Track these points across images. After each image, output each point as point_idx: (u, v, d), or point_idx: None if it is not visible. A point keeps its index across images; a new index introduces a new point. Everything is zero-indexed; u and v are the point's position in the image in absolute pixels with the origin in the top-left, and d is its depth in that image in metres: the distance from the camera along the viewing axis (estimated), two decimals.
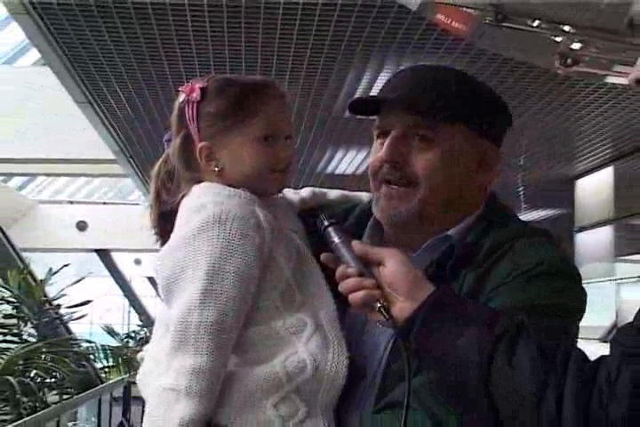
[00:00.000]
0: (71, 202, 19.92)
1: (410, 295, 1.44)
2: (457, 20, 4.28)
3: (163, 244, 1.70)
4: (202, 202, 1.61)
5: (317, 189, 1.88)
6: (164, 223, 1.71)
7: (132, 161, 9.84)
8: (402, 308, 1.44)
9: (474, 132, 1.64)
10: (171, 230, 1.67)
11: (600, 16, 3.93)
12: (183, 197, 1.67)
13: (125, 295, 20.81)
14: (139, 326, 18.40)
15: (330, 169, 10.20)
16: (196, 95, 1.65)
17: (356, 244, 1.52)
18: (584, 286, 1.59)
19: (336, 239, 1.54)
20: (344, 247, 1.52)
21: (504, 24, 4.00)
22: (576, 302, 1.57)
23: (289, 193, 1.82)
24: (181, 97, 1.67)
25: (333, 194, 1.89)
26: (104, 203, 19.50)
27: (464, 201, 1.65)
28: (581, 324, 1.58)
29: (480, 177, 1.66)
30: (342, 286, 1.48)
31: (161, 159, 1.75)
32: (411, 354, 1.43)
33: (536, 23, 4.02)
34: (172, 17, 5.42)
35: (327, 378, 1.53)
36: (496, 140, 1.69)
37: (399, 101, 1.64)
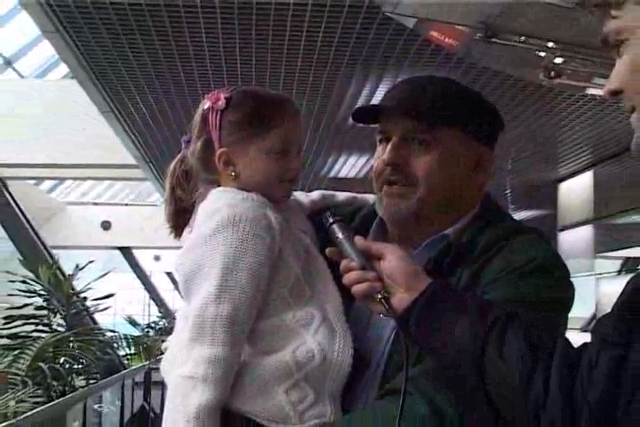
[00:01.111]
0: (96, 203, 19.94)
1: (408, 287, 1.43)
2: (449, 36, 4.28)
3: (176, 236, 1.71)
4: (217, 205, 1.60)
5: (327, 192, 1.88)
6: (178, 218, 1.71)
7: (151, 165, 9.84)
8: (401, 298, 1.43)
9: (469, 135, 1.63)
10: (184, 225, 1.69)
11: (580, 33, 3.92)
12: (199, 195, 1.67)
13: (146, 289, 20.87)
14: (158, 317, 18.44)
15: (334, 173, 10.19)
16: (221, 104, 1.65)
17: (358, 239, 1.51)
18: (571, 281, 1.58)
19: (340, 235, 1.53)
20: (347, 243, 1.51)
21: (493, 40, 4.00)
22: (565, 297, 1.56)
23: (300, 195, 1.82)
24: (206, 104, 1.66)
25: (342, 196, 1.88)
26: (126, 204, 19.51)
27: (461, 201, 1.64)
28: None
29: (476, 178, 1.65)
30: (346, 279, 1.47)
31: (177, 158, 1.74)
32: (409, 343, 1.42)
33: (522, 39, 4.02)
34: (189, 36, 5.45)
35: (333, 367, 1.52)
36: (490, 144, 1.68)
37: (397, 108, 1.64)
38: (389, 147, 1.63)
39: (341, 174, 10.26)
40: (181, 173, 1.72)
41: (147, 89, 6.78)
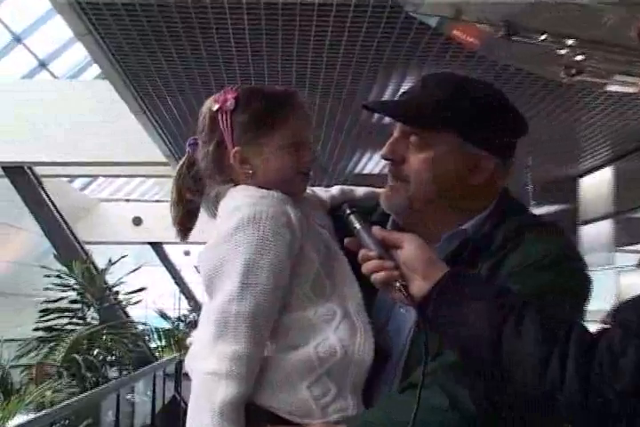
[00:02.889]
0: (128, 200, 20.04)
1: (426, 274, 1.42)
2: (471, 34, 4.25)
3: (183, 238, 1.71)
4: (237, 204, 1.58)
5: (346, 187, 1.86)
6: (187, 221, 1.71)
7: None
8: (419, 286, 1.41)
9: (466, 139, 1.58)
10: (192, 227, 1.70)
11: (601, 31, 3.88)
12: (217, 194, 1.66)
13: (176, 283, 20.96)
14: (188, 310, 18.51)
15: (357, 169, 10.18)
16: (229, 104, 1.63)
17: (375, 229, 1.50)
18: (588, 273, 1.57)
19: (357, 225, 1.52)
20: (365, 233, 1.50)
21: (514, 38, 3.96)
22: (582, 289, 1.54)
23: (320, 191, 1.80)
24: (215, 106, 1.65)
25: (361, 191, 1.86)
26: (156, 201, 19.58)
27: (469, 199, 1.61)
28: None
29: (473, 180, 1.60)
30: (364, 268, 1.46)
31: (182, 162, 1.73)
32: (429, 332, 1.40)
33: (543, 37, 3.98)
34: (216, 36, 5.46)
35: (355, 362, 1.51)
36: (492, 148, 1.61)
37: (392, 110, 1.66)
38: (388, 141, 1.64)
39: (366, 170, 10.25)
40: (190, 176, 1.71)
41: (176, 89, 6.81)
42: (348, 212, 1.55)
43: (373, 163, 9.77)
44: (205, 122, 1.67)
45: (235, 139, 1.63)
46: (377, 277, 1.44)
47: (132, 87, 6.81)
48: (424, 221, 1.62)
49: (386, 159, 1.63)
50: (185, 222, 1.72)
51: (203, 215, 1.74)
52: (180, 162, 1.74)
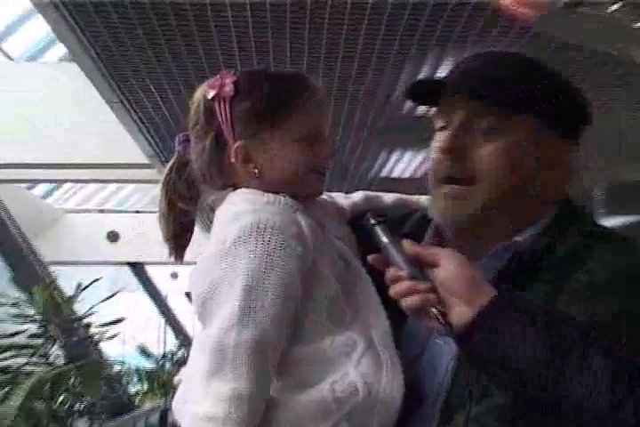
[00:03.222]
0: (101, 210, 20.03)
1: (469, 299, 1.43)
2: (525, 4, 4.25)
3: (177, 258, 1.73)
4: (237, 211, 1.61)
5: (371, 193, 1.88)
6: (180, 237, 1.74)
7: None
8: (460, 312, 1.42)
9: (543, 125, 1.62)
10: (187, 244, 1.71)
11: None
12: (215, 200, 1.68)
13: (161, 312, 20.92)
14: (176, 346, 18.47)
15: (384, 172, 10.17)
16: (228, 90, 1.66)
17: (407, 244, 1.51)
18: None
19: (385, 239, 1.53)
20: (394, 248, 1.51)
21: (579, 9, 3.97)
22: None
23: (339, 198, 1.83)
24: (210, 93, 1.67)
25: (389, 198, 1.88)
26: (137, 212, 19.55)
27: (534, 203, 1.64)
28: None
29: (550, 176, 1.64)
30: (393, 290, 1.47)
31: (171, 164, 1.76)
32: (473, 368, 1.42)
33: (615, 7, 3.98)
34: (212, 15, 5.45)
35: (381, 404, 1.52)
36: (569, 137, 1.66)
37: (462, 85, 1.64)
38: (448, 133, 1.63)
39: (395, 173, 10.24)
40: (182, 182, 1.74)
41: (162, 74, 6.78)
42: (374, 222, 1.56)
43: (403, 164, 9.77)
44: (199, 113, 1.69)
45: (236, 132, 1.66)
46: (409, 301, 1.45)
47: (106, 71, 6.80)
48: (479, 232, 1.64)
49: (448, 153, 1.63)
50: (178, 238, 1.75)
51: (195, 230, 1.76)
52: (169, 163, 1.76)
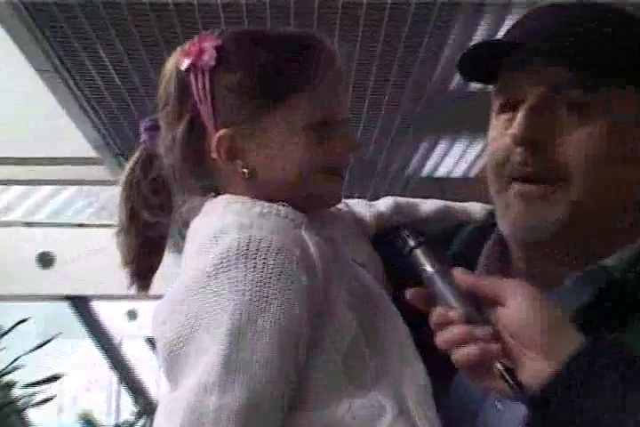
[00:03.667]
0: (29, 224, 20.02)
1: (547, 349, 1.43)
2: None
3: (141, 289, 1.73)
4: (220, 225, 1.60)
5: (403, 200, 1.88)
6: (145, 259, 1.73)
7: (122, 160, 9.80)
8: (535, 368, 1.42)
9: None
10: (154, 269, 1.71)
11: None
12: (187, 211, 1.68)
13: (113, 367, 20.90)
14: (134, 414, 18.52)
15: (425, 170, 10.18)
16: (208, 59, 1.65)
17: (459, 273, 1.51)
18: None
19: (428, 267, 1.54)
20: (441, 279, 1.51)
21: None
22: None
23: (359, 206, 1.83)
24: (184, 62, 1.67)
25: (428, 206, 1.88)
26: (80, 225, 19.48)
27: (636, 212, 1.64)
28: None
29: None
30: (441, 338, 1.47)
31: (134, 159, 1.76)
32: None
33: None
34: None
35: None
36: None
37: (538, 48, 1.63)
38: (522, 114, 1.62)
39: (440, 172, 10.25)
40: (147, 182, 1.74)
41: (115, 34, 6.80)
42: (413, 244, 1.57)
43: (452, 159, 9.78)
44: (170, 90, 1.70)
45: (218, 116, 1.66)
46: (462, 353, 1.45)
47: (37, 29, 6.79)
48: (559, 250, 1.65)
49: (523, 144, 1.62)
50: (142, 261, 1.75)
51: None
52: (132, 159, 1.77)
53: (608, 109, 1.59)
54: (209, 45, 1.65)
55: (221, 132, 1.65)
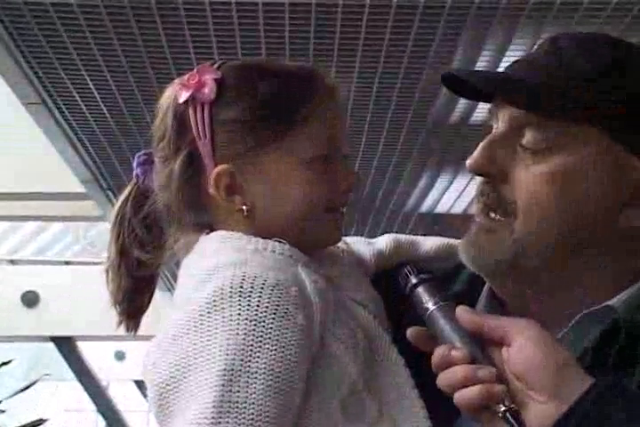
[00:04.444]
0: (12, 262, 20.02)
1: (553, 392, 1.42)
2: None
3: (130, 330, 1.72)
4: (214, 262, 1.60)
5: (403, 237, 1.88)
6: (135, 297, 1.73)
7: (111, 196, 9.80)
8: (541, 411, 1.42)
9: (617, 141, 1.61)
10: (144, 308, 1.71)
11: None
12: (179, 249, 1.67)
13: (99, 411, 20.86)
14: None
15: (425, 205, 10.19)
16: (208, 92, 1.65)
17: (462, 311, 1.51)
18: None
19: (430, 305, 1.54)
20: (443, 317, 1.52)
21: None
22: None
23: (358, 244, 1.82)
24: (182, 95, 1.67)
25: (430, 244, 1.88)
26: (66, 262, 19.48)
27: (623, 249, 1.64)
28: None
29: (633, 216, 1.63)
30: (444, 378, 1.47)
31: (126, 194, 1.76)
32: None
33: None
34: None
35: None
36: None
37: (491, 85, 1.66)
38: (481, 145, 1.65)
39: (441, 208, 10.26)
40: (138, 220, 1.74)
41: (104, 65, 6.79)
42: (415, 281, 1.57)
43: (452, 195, 9.79)
44: (167, 123, 1.69)
45: (217, 151, 1.66)
46: (465, 395, 1.44)
47: (24, 61, 6.80)
48: (541, 290, 1.65)
49: (476, 173, 1.64)
50: (131, 301, 1.74)
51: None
52: (123, 194, 1.77)
53: (563, 149, 1.60)
54: (209, 78, 1.65)
55: (220, 167, 1.65)
